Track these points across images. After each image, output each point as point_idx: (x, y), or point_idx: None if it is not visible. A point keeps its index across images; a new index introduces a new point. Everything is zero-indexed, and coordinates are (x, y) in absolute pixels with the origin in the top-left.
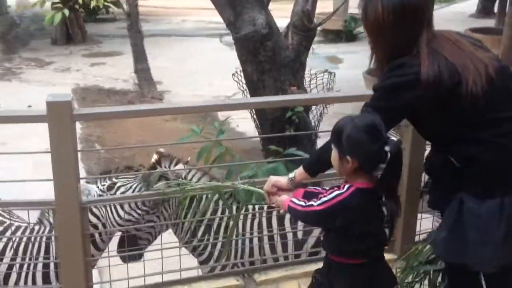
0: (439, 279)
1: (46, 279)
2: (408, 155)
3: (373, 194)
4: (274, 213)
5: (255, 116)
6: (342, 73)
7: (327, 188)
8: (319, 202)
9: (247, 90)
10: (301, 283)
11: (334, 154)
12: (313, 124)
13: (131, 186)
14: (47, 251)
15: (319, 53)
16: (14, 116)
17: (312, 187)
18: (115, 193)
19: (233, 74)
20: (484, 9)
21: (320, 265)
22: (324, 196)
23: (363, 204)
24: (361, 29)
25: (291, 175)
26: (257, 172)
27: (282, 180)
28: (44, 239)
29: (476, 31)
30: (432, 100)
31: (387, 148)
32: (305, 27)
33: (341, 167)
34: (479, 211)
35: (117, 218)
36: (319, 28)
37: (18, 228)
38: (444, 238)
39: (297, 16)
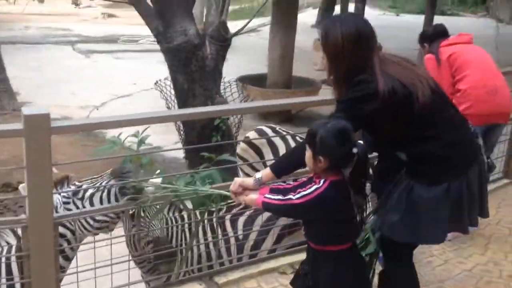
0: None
1: None
2: None
3: (344, 185)
4: (227, 217)
5: (180, 125)
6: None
7: (291, 183)
8: (298, 196)
9: (173, 100)
10: (260, 281)
11: (308, 154)
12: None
13: (99, 188)
14: (9, 272)
15: None
16: None
17: (276, 184)
18: (82, 197)
19: (156, 83)
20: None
21: (273, 263)
22: (303, 190)
23: (338, 194)
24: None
25: (258, 175)
26: (194, 179)
27: (248, 181)
28: (3, 260)
29: None
30: (388, 110)
31: (354, 150)
32: (222, 37)
33: (315, 165)
34: (429, 195)
35: (87, 226)
36: None
37: None
38: (398, 221)
39: (214, 26)
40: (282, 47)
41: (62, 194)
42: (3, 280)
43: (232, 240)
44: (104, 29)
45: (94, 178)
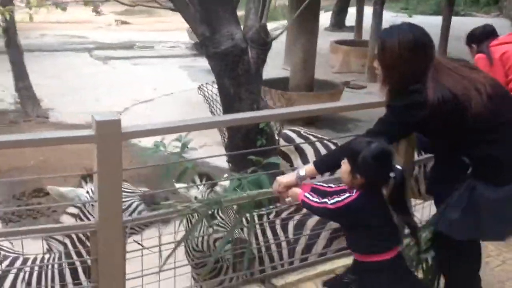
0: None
1: None
2: None
3: (376, 194)
4: (277, 221)
5: (224, 130)
6: None
7: (332, 186)
8: (332, 201)
9: (215, 104)
10: (318, 283)
11: (346, 168)
12: None
13: (131, 204)
14: (62, 279)
15: (197, 66)
16: (61, 138)
17: (318, 184)
18: None
19: (199, 88)
20: (337, 23)
21: (329, 265)
22: (337, 197)
23: (369, 203)
24: None
25: (301, 173)
26: (242, 183)
27: (291, 178)
28: (56, 266)
29: (341, 43)
30: (438, 118)
31: (392, 175)
32: (263, 40)
33: (350, 180)
34: (495, 196)
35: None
36: (191, 41)
37: (26, 259)
38: (458, 219)
39: (254, 30)
40: (304, 51)
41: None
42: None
43: (284, 244)
44: (119, 36)
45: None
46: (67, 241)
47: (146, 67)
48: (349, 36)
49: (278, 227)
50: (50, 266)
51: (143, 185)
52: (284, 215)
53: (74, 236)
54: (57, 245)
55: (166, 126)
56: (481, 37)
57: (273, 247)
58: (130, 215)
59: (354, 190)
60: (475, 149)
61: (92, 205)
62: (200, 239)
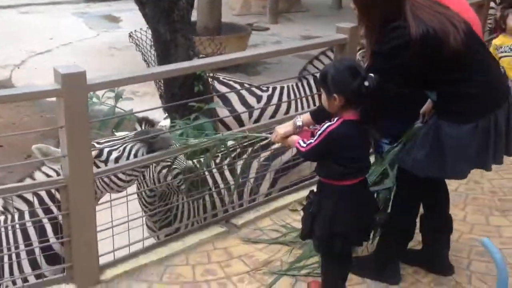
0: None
1: (34, 265)
2: None
3: (359, 125)
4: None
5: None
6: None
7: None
8: (315, 137)
9: (150, 51)
10: (274, 218)
11: (323, 96)
12: None
13: (125, 148)
14: (26, 238)
15: (91, 12)
16: (27, 93)
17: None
18: (107, 159)
19: (130, 35)
20: None
21: (282, 201)
22: (318, 131)
23: (350, 132)
24: None
25: (299, 122)
26: (186, 130)
27: (289, 128)
28: (17, 226)
29: None
30: (421, 55)
31: (366, 83)
32: None
33: (330, 105)
34: (458, 134)
35: (118, 181)
36: None
37: None
38: (423, 157)
39: None
40: None
41: None
42: (22, 247)
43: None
44: None
45: (115, 139)
46: (35, 199)
47: (37, 15)
48: None
49: (227, 172)
50: (10, 227)
51: None
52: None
53: (44, 193)
54: (19, 204)
55: (129, 76)
56: None
57: (223, 191)
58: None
59: (335, 119)
60: (445, 86)
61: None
62: (152, 181)
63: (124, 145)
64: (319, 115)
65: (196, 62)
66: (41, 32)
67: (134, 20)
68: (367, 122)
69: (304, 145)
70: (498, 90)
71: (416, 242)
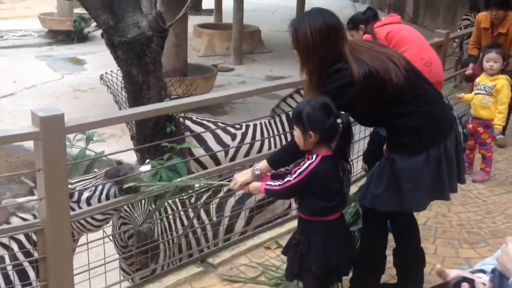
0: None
1: None
2: None
3: (334, 159)
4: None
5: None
6: (96, 73)
7: (289, 167)
8: (294, 175)
9: (121, 93)
10: (250, 257)
11: (297, 133)
12: None
13: (96, 188)
14: (8, 283)
15: (55, 55)
16: (3, 137)
17: (277, 171)
18: (78, 199)
19: (101, 78)
20: (194, 6)
21: (257, 240)
22: (298, 169)
23: (329, 167)
24: (90, 29)
25: (257, 171)
26: (160, 170)
27: (247, 176)
28: None
29: (205, 27)
30: (365, 94)
31: (339, 121)
32: (160, 28)
33: (305, 142)
34: (411, 165)
35: (93, 223)
36: (45, 30)
37: None
38: (382, 192)
39: (150, 17)
40: (175, 35)
41: None
42: None
43: (209, 227)
44: None
45: (85, 179)
46: (14, 245)
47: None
48: (208, 19)
49: (201, 211)
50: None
51: None
52: (203, 199)
53: (23, 237)
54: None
55: (107, 117)
56: (367, 20)
57: (199, 230)
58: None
59: (314, 156)
60: (392, 121)
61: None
62: (117, 235)
63: (95, 185)
64: (276, 162)
65: (173, 102)
66: (4, 75)
67: (98, 63)
68: (341, 156)
69: (277, 184)
70: (443, 119)
71: (389, 276)
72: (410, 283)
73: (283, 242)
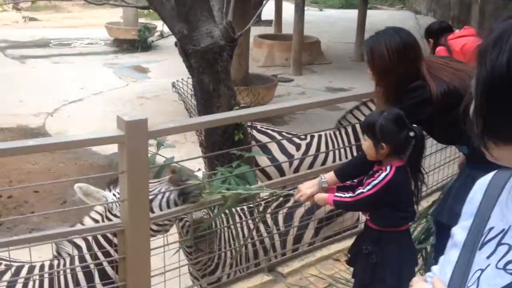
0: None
1: None
2: None
3: (406, 169)
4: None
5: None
6: (160, 81)
7: (355, 181)
8: (368, 187)
9: (191, 101)
10: (319, 268)
11: (368, 143)
12: None
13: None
14: (76, 283)
15: (120, 62)
16: (90, 139)
17: (342, 183)
18: None
19: (173, 85)
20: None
21: (326, 251)
22: (373, 180)
23: (404, 178)
24: (154, 38)
25: (324, 184)
26: (229, 178)
27: (314, 188)
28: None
29: (264, 37)
30: (444, 112)
31: (411, 134)
32: (230, 37)
33: (377, 153)
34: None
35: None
36: (111, 38)
37: (33, 267)
38: (462, 209)
39: (221, 27)
40: (238, 45)
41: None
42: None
43: (276, 237)
44: (30, 33)
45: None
46: (83, 243)
47: (68, 65)
48: (267, 30)
49: (269, 220)
50: (62, 272)
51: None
52: (272, 208)
53: (90, 238)
54: (69, 249)
55: (187, 123)
56: (438, 32)
57: (267, 239)
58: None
59: (388, 167)
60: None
61: (117, 206)
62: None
63: (158, 189)
64: (344, 175)
65: (246, 111)
66: (72, 81)
67: (161, 71)
68: (413, 169)
69: (348, 196)
70: None
71: None
72: None
73: None
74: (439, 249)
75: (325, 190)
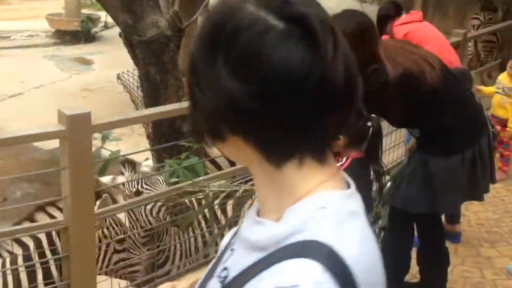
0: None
1: None
2: None
3: (364, 161)
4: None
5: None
6: (104, 73)
7: None
8: None
9: (137, 92)
10: None
11: None
12: None
13: None
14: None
15: (62, 55)
16: (29, 135)
17: None
18: None
19: (118, 77)
20: None
21: None
22: None
23: (359, 170)
24: (98, 29)
25: None
26: (177, 170)
27: None
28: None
29: None
30: (400, 95)
31: (369, 124)
32: (177, 27)
33: (334, 145)
34: (446, 166)
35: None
36: (51, 29)
37: None
38: (415, 194)
39: (168, 17)
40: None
41: None
42: None
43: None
44: None
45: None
46: (31, 243)
47: (7, 58)
48: None
49: (219, 212)
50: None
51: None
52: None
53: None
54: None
55: (133, 116)
56: (382, 19)
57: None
58: None
59: (344, 159)
60: (428, 122)
61: None
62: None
63: None
64: None
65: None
66: (12, 75)
67: (105, 63)
68: (371, 159)
69: None
70: (479, 119)
71: (410, 275)
72: (434, 281)
73: None
74: (394, 232)
75: None
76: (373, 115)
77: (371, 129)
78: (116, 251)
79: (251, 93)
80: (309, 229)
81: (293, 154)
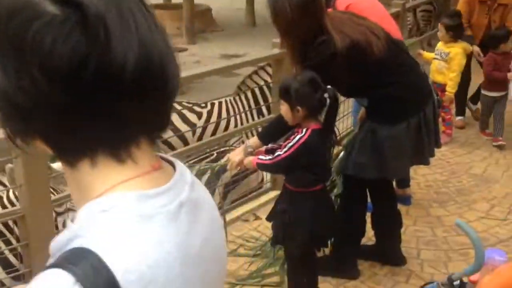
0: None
1: None
2: None
3: (323, 132)
4: None
5: None
6: None
7: (282, 143)
8: (284, 149)
9: None
10: (230, 230)
11: (285, 108)
12: None
13: None
14: None
15: None
16: None
17: (270, 145)
18: None
19: None
20: None
21: (235, 213)
22: (288, 143)
23: (319, 141)
24: None
25: (250, 149)
26: None
27: (241, 155)
28: None
29: (156, 7)
30: (347, 65)
31: (326, 95)
32: None
33: (294, 116)
34: (393, 134)
35: None
36: None
37: None
38: (365, 161)
39: None
40: None
41: None
42: None
43: None
44: None
45: None
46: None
47: None
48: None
49: None
50: None
51: None
52: None
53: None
54: None
55: None
56: None
57: None
58: None
59: (304, 130)
60: (374, 91)
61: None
62: None
63: None
64: (265, 136)
65: None
66: None
67: None
68: (328, 130)
69: (268, 158)
70: (423, 88)
71: (366, 238)
72: (388, 243)
73: (261, 213)
74: (349, 199)
75: (252, 154)
76: (329, 86)
77: (328, 100)
78: None
79: (21, 88)
80: (84, 235)
81: (84, 153)
